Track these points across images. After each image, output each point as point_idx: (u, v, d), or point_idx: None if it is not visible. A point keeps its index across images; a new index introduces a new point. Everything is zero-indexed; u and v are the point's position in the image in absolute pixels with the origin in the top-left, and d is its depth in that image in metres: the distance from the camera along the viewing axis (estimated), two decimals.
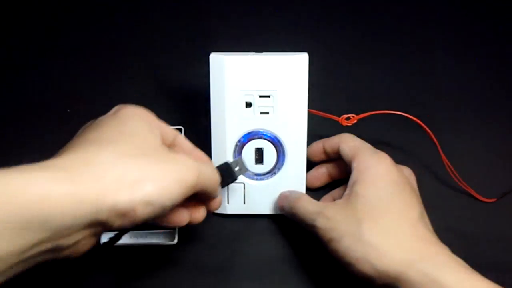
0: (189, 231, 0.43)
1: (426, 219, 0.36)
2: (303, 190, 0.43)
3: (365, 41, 0.59)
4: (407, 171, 0.40)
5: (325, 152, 0.43)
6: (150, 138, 0.31)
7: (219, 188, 0.35)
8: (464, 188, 0.45)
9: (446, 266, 0.31)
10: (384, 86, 0.54)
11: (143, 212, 0.26)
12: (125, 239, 0.42)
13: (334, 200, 0.43)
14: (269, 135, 0.42)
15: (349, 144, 0.40)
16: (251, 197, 0.43)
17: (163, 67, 0.56)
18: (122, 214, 0.26)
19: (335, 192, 0.44)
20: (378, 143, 0.49)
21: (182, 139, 0.35)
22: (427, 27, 0.61)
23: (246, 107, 0.41)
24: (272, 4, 0.63)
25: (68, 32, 0.61)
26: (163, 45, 0.59)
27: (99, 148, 0.28)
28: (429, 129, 0.42)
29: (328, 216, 0.36)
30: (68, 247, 0.26)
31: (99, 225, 0.26)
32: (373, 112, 0.43)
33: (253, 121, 0.42)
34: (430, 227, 0.36)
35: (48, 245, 0.25)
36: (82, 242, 0.27)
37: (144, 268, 0.42)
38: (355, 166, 0.38)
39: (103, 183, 0.25)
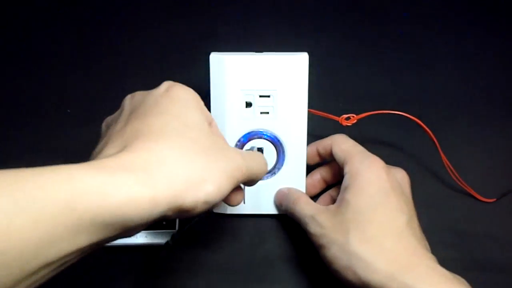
0: (189, 231, 0.43)
1: (415, 225, 0.36)
2: (303, 190, 0.43)
3: (365, 41, 0.59)
4: (399, 174, 0.39)
5: (319, 154, 0.43)
6: (205, 129, 0.31)
7: None
8: (464, 188, 0.45)
9: (427, 278, 0.31)
10: (383, 86, 0.55)
11: (201, 209, 0.28)
12: (125, 239, 0.42)
13: (332, 198, 0.43)
14: (269, 135, 0.42)
15: (341, 146, 0.40)
16: (251, 197, 0.43)
17: (163, 67, 0.56)
18: (185, 211, 0.27)
19: (332, 191, 0.44)
20: (378, 143, 0.49)
21: (215, 125, 0.35)
22: (427, 27, 0.61)
23: (246, 107, 0.41)
24: (272, 4, 0.63)
25: (68, 32, 0.61)
26: (163, 45, 0.59)
27: (170, 143, 0.28)
28: (429, 129, 0.42)
29: (319, 222, 0.37)
30: (129, 235, 0.27)
31: (162, 218, 0.27)
32: (373, 112, 0.43)
33: (253, 121, 0.42)
34: (418, 233, 0.36)
35: (118, 237, 0.26)
36: (140, 229, 0.28)
37: (144, 268, 0.42)
38: (347, 171, 0.38)
39: (176, 184, 0.26)
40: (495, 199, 0.45)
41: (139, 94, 0.34)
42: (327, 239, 0.36)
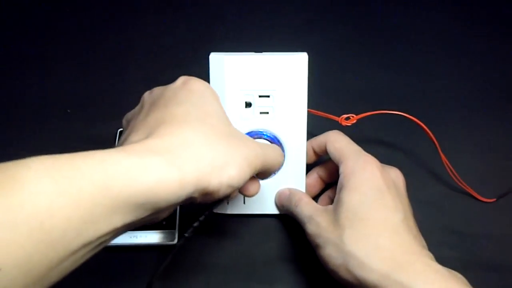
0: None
1: (411, 223, 0.36)
2: (303, 190, 0.43)
3: (364, 41, 0.60)
4: (394, 173, 0.39)
5: (314, 152, 0.43)
6: (224, 118, 0.32)
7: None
8: (464, 188, 0.45)
9: (422, 276, 0.31)
10: (383, 86, 0.55)
11: (224, 192, 0.29)
12: (125, 239, 0.42)
13: (330, 199, 0.43)
14: (268, 135, 0.42)
15: (335, 145, 0.40)
16: (251, 197, 0.43)
17: (163, 67, 0.56)
18: (209, 194, 0.28)
19: (330, 191, 0.44)
20: (378, 143, 0.49)
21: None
22: (427, 27, 0.61)
23: (246, 107, 0.41)
24: (272, 4, 0.63)
25: (68, 32, 0.61)
26: (163, 45, 0.60)
27: (193, 128, 0.29)
28: (429, 129, 0.42)
29: (317, 222, 0.37)
30: (157, 218, 0.28)
31: (188, 200, 0.28)
32: (373, 112, 0.43)
33: (252, 121, 0.42)
34: (414, 231, 0.35)
35: (149, 219, 0.27)
36: (168, 212, 0.29)
37: (144, 268, 0.42)
38: (341, 171, 0.38)
39: (201, 166, 0.27)
40: (494, 199, 0.45)
41: (157, 89, 0.35)
42: (323, 239, 0.36)
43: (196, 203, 0.29)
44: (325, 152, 0.41)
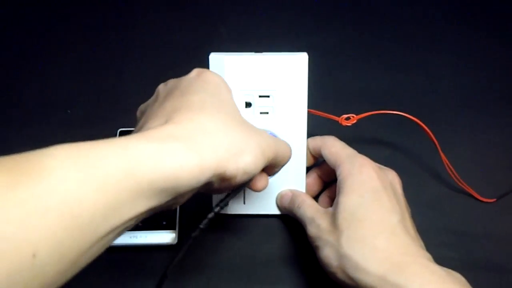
0: (189, 232, 0.43)
1: (408, 224, 0.36)
2: (303, 190, 0.43)
3: (364, 41, 0.60)
4: (390, 175, 0.39)
5: (311, 155, 0.43)
6: (237, 109, 0.33)
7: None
8: (464, 188, 0.45)
9: (419, 277, 0.31)
10: (384, 86, 0.55)
11: (240, 179, 0.29)
12: (125, 239, 0.42)
13: (329, 199, 0.44)
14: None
15: (330, 150, 0.41)
16: (251, 197, 0.43)
17: (163, 67, 0.56)
18: (226, 179, 0.29)
19: (329, 191, 0.44)
20: (378, 143, 0.49)
21: None
22: (427, 27, 0.61)
23: (246, 107, 0.41)
24: (272, 4, 0.63)
25: (68, 32, 0.61)
26: (163, 45, 0.60)
27: (210, 115, 0.30)
28: (429, 129, 0.42)
29: (318, 224, 0.37)
30: (176, 203, 0.29)
31: (206, 186, 0.29)
32: (373, 112, 0.43)
33: (252, 121, 0.41)
34: (412, 232, 0.35)
35: (170, 204, 0.28)
36: (186, 197, 0.29)
37: (144, 268, 0.42)
38: (338, 174, 0.39)
39: (219, 152, 0.28)
40: (495, 199, 0.45)
41: (172, 81, 0.35)
42: (322, 241, 0.36)
43: (214, 189, 0.30)
44: (321, 155, 0.42)
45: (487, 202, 0.45)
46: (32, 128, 0.52)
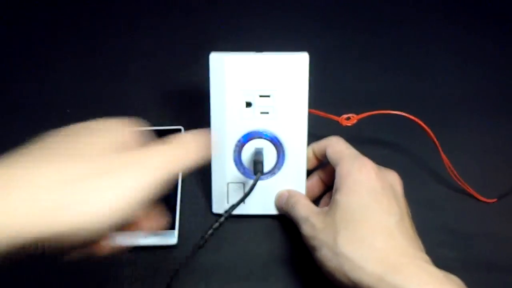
0: (189, 232, 0.43)
1: (407, 225, 0.35)
2: (303, 190, 0.43)
3: (365, 41, 0.60)
4: (391, 176, 0.39)
5: (315, 157, 0.43)
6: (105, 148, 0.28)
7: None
8: (464, 188, 0.45)
9: (416, 278, 0.31)
10: (384, 86, 0.55)
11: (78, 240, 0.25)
12: (125, 239, 0.42)
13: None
14: (269, 135, 0.42)
15: (334, 149, 0.40)
16: (251, 197, 0.43)
17: (163, 67, 0.56)
18: (60, 237, 0.25)
19: (330, 193, 0.44)
20: (378, 143, 0.49)
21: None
22: (427, 28, 0.61)
23: (246, 107, 0.41)
24: (272, 4, 0.63)
25: (68, 32, 0.61)
26: (163, 45, 0.60)
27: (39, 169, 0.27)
28: (430, 129, 0.42)
29: (312, 223, 0.37)
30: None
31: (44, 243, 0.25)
32: (373, 112, 0.43)
33: (253, 121, 0.42)
34: (411, 233, 0.35)
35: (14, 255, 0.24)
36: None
37: (144, 268, 0.41)
38: (337, 172, 0.38)
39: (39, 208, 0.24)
40: (495, 199, 0.45)
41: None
42: (318, 241, 0.36)
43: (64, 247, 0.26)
44: (326, 157, 0.41)
45: (487, 202, 0.45)
46: (32, 128, 0.51)
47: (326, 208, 0.38)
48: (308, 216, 0.38)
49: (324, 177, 0.44)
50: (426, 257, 0.34)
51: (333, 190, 0.38)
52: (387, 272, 0.31)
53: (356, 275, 0.32)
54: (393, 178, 0.39)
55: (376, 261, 0.32)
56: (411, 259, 0.33)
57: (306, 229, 0.38)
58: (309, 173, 0.44)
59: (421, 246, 0.35)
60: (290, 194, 0.42)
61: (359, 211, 0.35)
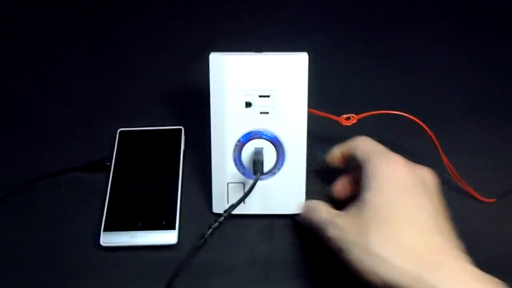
0: (189, 231, 0.43)
1: (441, 222, 0.34)
2: (303, 191, 0.43)
3: (365, 41, 0.60)
4: (423, 171, 0.38)
5: (343, 157, 0.42)
6: None
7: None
8: (464, 188, 0.45)
9: (455, 278, 0.30)
10: (384, 86, 0.55)
11: None
12: (125, 239, 0.42)
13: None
14: (268, 135, 0.42)
15: (363, 148, 0.39)
16: (251, 197, 0.43)
17: (163, 67, 0.56)
18: None
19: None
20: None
21: None
22: (427, 28, 0.61)
23: (246, 107, 0.41)
24: (273, 5, 0.63)
25: (68, 33, 0.62)
26: (163, 45, 0.60)
27: None
28: (429, 129, 0.42)
29: (338, 225, 0.36)
30: None
31: None
32: (373, 112, 0.43)
33: (252, 121, 0.42)
34: (445, 230, 0.34)
35: None
36: None
37: (144, 268, 0.42)
38: (365, 170, 0.37)
39: None
40: (495, 199, 0.45)
41: None
42: (347, 242, 0.34)
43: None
44: (353, 157, 0.40)
45: (487, 202, 0.45)
46: (32, 128, 0.52)
47: (352, 208, 0.36)
48: (332, 218, 0.37)
49: (353, 178, 0.42)
50: (465, 256, 0.32)
51: (361, 188, 0.37)
52: (423, 271, 0.30)
53: (389, 274, 0.31)
54: (425, 173, 0.38)
55: (410, 260, 0.31)
56: (448, 257, 0.32)
57: (332, 232, 0.36)
58: (335, 173, 0.43)
59: (457, 244, 0.34)
60: (307, 202, 0.42)
61: (390, 209, 0.34)
